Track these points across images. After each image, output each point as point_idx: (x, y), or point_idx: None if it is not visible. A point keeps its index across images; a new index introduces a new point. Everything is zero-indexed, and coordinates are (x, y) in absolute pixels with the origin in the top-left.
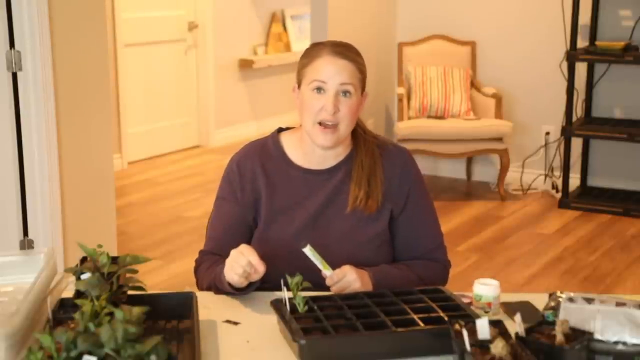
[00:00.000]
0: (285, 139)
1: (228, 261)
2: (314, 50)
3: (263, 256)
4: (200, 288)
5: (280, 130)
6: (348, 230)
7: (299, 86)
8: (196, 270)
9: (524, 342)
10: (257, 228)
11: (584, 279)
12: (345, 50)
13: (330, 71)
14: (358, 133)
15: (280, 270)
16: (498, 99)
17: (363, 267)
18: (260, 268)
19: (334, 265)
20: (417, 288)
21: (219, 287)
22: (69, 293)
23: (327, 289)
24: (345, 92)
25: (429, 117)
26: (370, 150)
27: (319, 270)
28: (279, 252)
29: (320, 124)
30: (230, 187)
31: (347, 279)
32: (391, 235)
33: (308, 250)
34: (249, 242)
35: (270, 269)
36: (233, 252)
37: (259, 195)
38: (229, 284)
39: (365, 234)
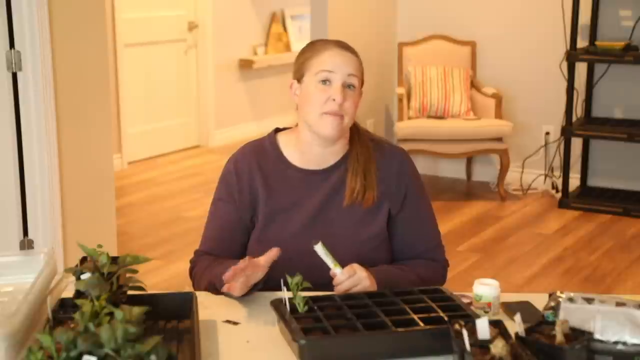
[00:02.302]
0: (283, 139)
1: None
2: (318, 44)
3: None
4: (198, 288)
5: (277, 130)
6: (347, 229)
7: (298, 80)
8: (191, 270)
9: (524, 342)
10: (255, 229)
11: (584, 279)
12: (349, 46)
13: (339, 62)
14: (353, 130)
15: (279, 271)
16: (498, 99)
17: (364, 266)
18: (249, 260)
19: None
20: (417, 288)
21: (219, 288)
22: (69, 293)
23: (328, 288)
24: (350, 85)
25: (429, 117)
26: (365, 144)
27: (319, 270)
28: None
29: (326, 114)
30: (227, 188)
31: (358, 275)
32: (389, 235)
33: (320, 248)
34: (245, 243)
35: (270, 269)
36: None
37: (256, 196)
38: None
39: (363, 233)
